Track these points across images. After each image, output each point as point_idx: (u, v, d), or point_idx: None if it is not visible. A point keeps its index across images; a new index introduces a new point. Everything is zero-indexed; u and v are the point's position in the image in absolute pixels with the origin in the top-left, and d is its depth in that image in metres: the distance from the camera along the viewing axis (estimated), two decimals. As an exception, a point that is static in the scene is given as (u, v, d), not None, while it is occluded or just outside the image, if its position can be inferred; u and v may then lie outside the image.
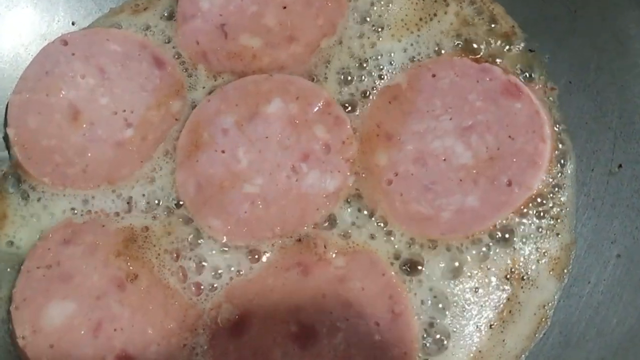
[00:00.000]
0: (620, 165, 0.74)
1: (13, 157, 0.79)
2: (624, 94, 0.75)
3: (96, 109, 0.81)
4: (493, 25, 0.81)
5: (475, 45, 0.80)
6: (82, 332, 0.71)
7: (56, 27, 0.87)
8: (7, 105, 0.82)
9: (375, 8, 0.83)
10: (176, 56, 0.84)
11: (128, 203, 0.77)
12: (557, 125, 0.77)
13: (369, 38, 0.82)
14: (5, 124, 0.80)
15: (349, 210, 0.75)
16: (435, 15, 0.82)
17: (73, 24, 0.87)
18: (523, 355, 0.71)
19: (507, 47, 0.80)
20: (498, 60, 0.80)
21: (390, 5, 0.83)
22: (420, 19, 0.82)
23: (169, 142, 0.79)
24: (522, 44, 0.81)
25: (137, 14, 0.87)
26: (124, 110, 0.81)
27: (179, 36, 0.84)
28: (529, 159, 0.73)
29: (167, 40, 0.85)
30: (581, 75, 0.78)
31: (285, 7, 0.82)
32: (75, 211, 0.78)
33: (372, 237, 0.73)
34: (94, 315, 0.72)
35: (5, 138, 0.80)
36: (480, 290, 0.71)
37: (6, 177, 0.79)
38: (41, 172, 0.79)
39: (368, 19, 0.83)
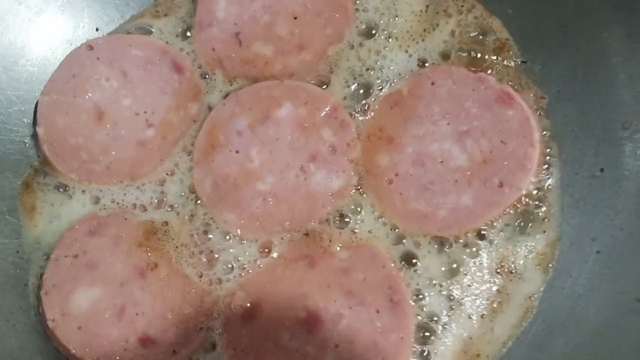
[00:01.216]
0: (602, 169, 0.77)
1: (42, 154, 0.83)
2: (607, 104, 0.78)
3: (119, 109, 0.84)
4: (490, 37, 0.84)
5: (472, 55, 0.84)
6: (107, 315, 0.76)
7: (81, 32, 0.90)
8: (36, 105, 0.84)
9: (382, 20, 0.86)
10: (194, 61, 0.86)
11: (149, 198, 0.81)
12: (546, 131, 0.80)
13: (374, 46, 0.85)
14: (35, 123, 0.84)
15: (352, 207, 0.79)
16: (437, 25, 0.86)
17: (97, 30, 0.90)
18: (510, 342, 0.75)
19: (502, 57, 0.83)
20: (493, 70, 0.82)
21: (397, 17, 0.86)
22: (424, 30, 0.86)
23: (187, 141, 0.83)
24: (516, 55, 0.83)
25: (156, 18, 0.90)
26: (145, 112, 0.84)
27: (197, 43, 0.87)
28: (519, 162, 0.77)
29: (185, 46, 0.87)
30: (569, 85, 0.81)
31: (295, 18, 0.85)
32: (100, 205, 0.82)
33: (374, 232, 0.78)
34: (118, 300, 0.76)
35: (35, 136, 0.84)
36: (474, 284, 0.76)
37: (35, 172, 0.83)
38: (68, 169, 0.83)
39: (375, 29, 0.86)
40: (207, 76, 0.86)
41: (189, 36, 0.88)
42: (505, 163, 0.77)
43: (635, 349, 0.67)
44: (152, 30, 0.90)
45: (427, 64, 0.84)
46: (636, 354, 0.66)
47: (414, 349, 0.73)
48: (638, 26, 0.75)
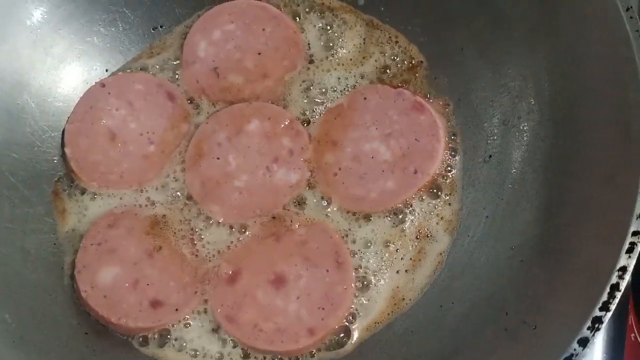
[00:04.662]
0: (490, 156, 0.94)
1: (69, 168, 0.97)
2: (493, 107, 0.96)
3: (127, 132, 0.98)
4: (409, 60, 1.03)
5: (395, 74, 1.02)
6: (125, 286, 0.90)
7: (94, 73, 1.04)
8: (63, 132, 0.99)
9: (329, 52, 1.04)
10: (183, 91, 1.02)
11: (153, 197, 0.98)
12: (450, 130, 0.98)
13: (323, 72, 1.02)
14: (63, 145, 0.98)
15: (307, 195, 0.95)
16: (373, 53, 1.04)
17: (106, 70, 1.05)
18: (426, 288, 0.91)
19: (417, 75, 1.02)
20: (410, 85, 1.01)
21: (342, 48, 1.04)
22: (363, 57, 1.04)
23: (180, 152, 1.00)
24: (428, 73, 1.01)
25: (151, 58, 1.04)
26: (147, 132, 0.98)
27: (184, 77, 1.02)
28: (428, 154, 0.94)
29: (174, 78, 1.04)
30: (467, 94, 0.98)
31: (259, 54, 1.02)
32: (116, 205, 0.96)
33: (323, 213, 0.95)
34: (133, 275, 0.90)
35: (63, 155, 0.97)
36: (400, 249, 0.94)
37: (64, 183, 0.99)
38: (90, 178, 0.97)
39: (323, 58, 1.02)
40: (194, 102, 1.03)
41: (177, 71, 1.05)
42: (418, 155, 0.93)
43: (507, 282, 0.85)
44: (149, 67, 1.05)
45: (361, 83, 1.02)
46: (508, 285, 0.84)
47: (355, 296, 0.91)
48: (510, 48, 0.97)
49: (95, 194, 0.99)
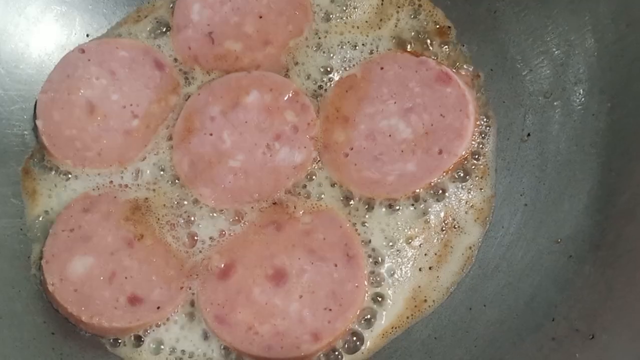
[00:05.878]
0: (528, 134, 0.87)
1: (41, 144, 0.92)
2: (532, 78, 0.88)
3: (108, 104, 0.92)
4: (433, 25, 0.94)
5: (419, 41, 0.93)
6: (100, 279, 0.83)
7: (74, 38, 0.98)
8: (35, 102, 0.94)
9: (342, 13, 0.95)
10: (173, 58, 0.95)
11: (135, 178, 0.90)
12: (481, 105, 0.89)
13: (333, 37, 0.94)
14: (35, 118, 0.93)
15: (313, 178, 0.88)
16: (392, 16, 0.95)
17: (87, 35, 0.99)
18: (452, 287, 0.83)
19: (444, 42, 0.93)
20: (436, 54, 0.92)
21: (355, 9, 0.95)
22: (381, 20, 0.95)
23: (167, 127, 0.92)
24: (455, 40, 0.93)
25: (138, 23, 0.99)
26: (131, 105, 0.92)
27: (175, 43, 0.96)
28: (456, 132, 0.86)
29: (163, 43, 0.97)
30: (500, 64, 0.90)
31: (261, 17, 0.95)
32: (92, 186, 0.90)
33: (332, 198, 0.87)
34: (109, 266, 0.84)
35: (35, 129, 0.93)
36: (423, 243, 0.85)
37: (35, 160, 0.92)
38: (64, 156, 0.91)
39: (334, 21, 0.95)
40: (185, 71, 0.95)
41: (167, 34, 0.97)
42: (444, 133, 0.86)
43: (553, 281, 0.76)
44: (135, 32, 0.98)
45: (378, 51, 0.93)
46: (554, 286, 0.75)
47: (368, 296, 0.82)
48: (553, 9, 0.87)
49: (70, 174, 0.92)
